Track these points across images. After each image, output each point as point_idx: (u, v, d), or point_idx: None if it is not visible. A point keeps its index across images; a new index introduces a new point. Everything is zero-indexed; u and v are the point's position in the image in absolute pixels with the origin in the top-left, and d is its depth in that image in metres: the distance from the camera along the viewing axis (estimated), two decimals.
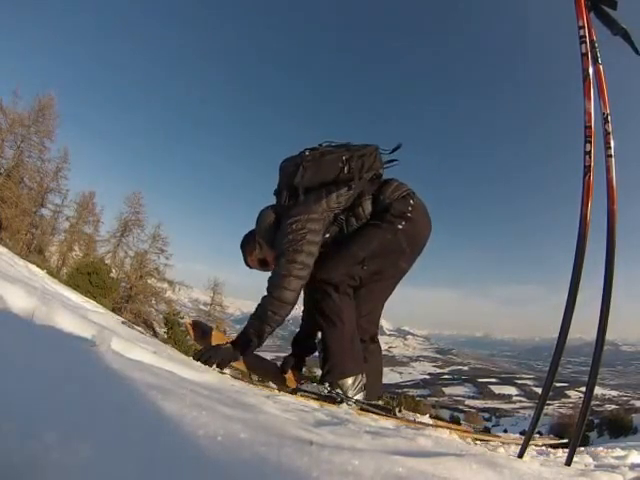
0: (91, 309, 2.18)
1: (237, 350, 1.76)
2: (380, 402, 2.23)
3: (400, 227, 1.89)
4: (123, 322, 2.02)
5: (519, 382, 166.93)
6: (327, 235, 1.92)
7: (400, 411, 1.97)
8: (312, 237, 1.77)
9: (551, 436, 2.02)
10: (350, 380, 1.83)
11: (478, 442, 1.85)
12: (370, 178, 1.99)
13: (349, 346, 1.86)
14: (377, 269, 1.94)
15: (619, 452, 2.55)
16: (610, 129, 1.34)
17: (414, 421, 1.82)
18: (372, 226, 1.92)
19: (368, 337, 2.01)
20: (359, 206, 1.94)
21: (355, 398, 1.83)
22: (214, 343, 2.00)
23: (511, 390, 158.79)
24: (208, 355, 1.68)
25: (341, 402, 1.77)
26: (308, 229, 1.77)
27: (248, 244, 2.09)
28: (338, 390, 1.82)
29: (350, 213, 1.95)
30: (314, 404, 1.61)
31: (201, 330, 2.17)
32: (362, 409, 1.80)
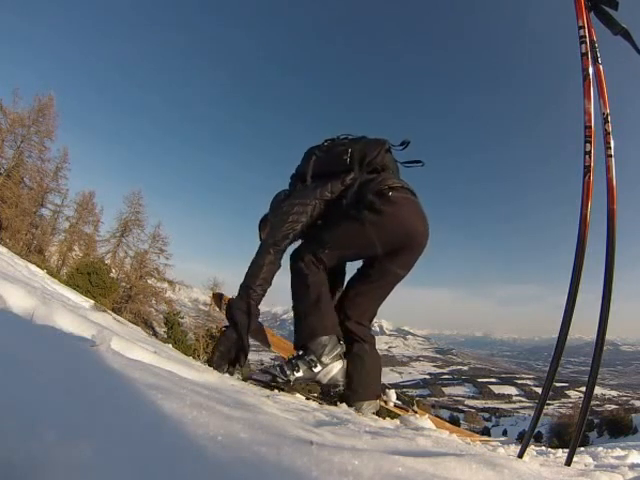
0: (89, 308, 2.18)
1: (242, 320, 1.86)
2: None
3: (367, 218, 1.86)
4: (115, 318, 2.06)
5: (519, 382, 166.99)
6: (319, 222, 2.04)
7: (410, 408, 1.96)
8: (295, 217, 1.96)
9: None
10: (323, 339, 1.81)
11: (478, 442, 1.85)
12: (370, 171, 2.02)
13: (314, 307, 1.85)
14: (342, 256, 2.01)
15: (619, 452, 2.55)
16: (610, 129, 1.34)
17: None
18: (343, 215, 1.94)
19: (360, 338, 1.98)
20: (344, 197, 1.98)
21: (297, 376, 1.80)
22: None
23: (511, 390, 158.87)
24: (219, 357, 1.81)
25: (283, 388, 1.79)
26: (295, 211, 1.97)
27: (263, 222, 2.30)
28: (290, 374, 1.80)
29: (335, 203, 2.00)
30: (314, 404, 1.61)
31: (219, 299, 2.50)
32: (307, 398, 1.82)
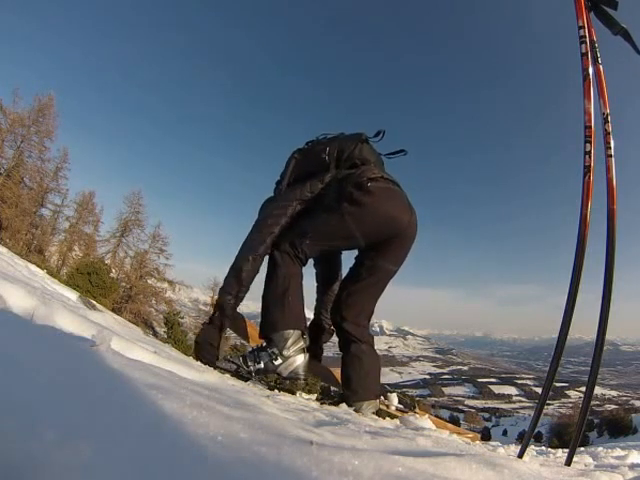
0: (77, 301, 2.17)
1: (217, 322, 1.90)
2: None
3: (346, 210, 1.87)
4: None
5: (519, 382, 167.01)
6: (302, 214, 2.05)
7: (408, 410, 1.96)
8: (273, 220, 1.98)
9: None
10: (286, 333, 1.83)
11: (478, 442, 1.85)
12: (350, 166, 2.02)
13: (280, 300, 1.86)
14: (323, 247, 2.00)
15: (619, 452, 2.55)
16: (610, 129, 1.34)
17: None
18: (324, 207, 1.96)
19: (357, 339, 1.97)
20: (326, 194, 2.00)
21: (257, 368, 1.83)
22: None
23: (511, 390, 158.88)
24: (203, 352, 1.85)
25: (248, 379, 1.82)
26: (275, 214, 1.99)
27: None
28: (262, 364, 1.84)
29: (317, 200, 2.01)
30: (314, 404, 1.61)
31: None
32: (270, 387, 1.85)
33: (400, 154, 2.20)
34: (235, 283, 1.90)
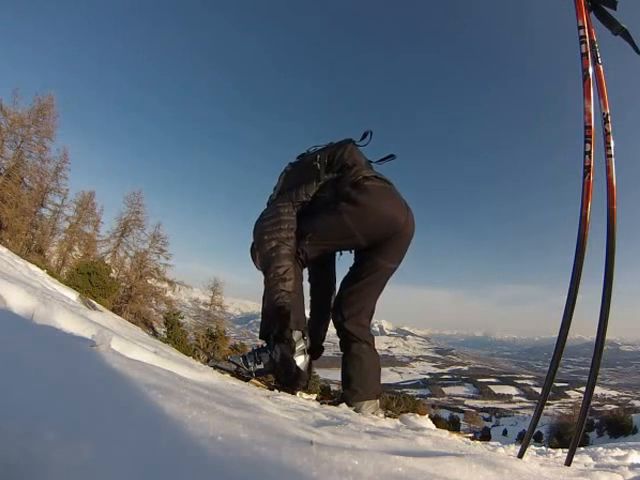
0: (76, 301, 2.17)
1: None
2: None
3: (344, 209, 1.88)
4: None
5: (519, 382, 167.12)
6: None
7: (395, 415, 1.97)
8: (274, 227, 1.95)
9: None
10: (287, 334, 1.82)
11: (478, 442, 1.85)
12: (341, 168, 2.04)
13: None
14: (323, 247, 1.99)
15: (619, 452, 2.55)
16: (610, 129, 1.34)
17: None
18: (322, 208, 1.97)
19: (357, 338, 1.97)
20: (321, 196, 2.02)
21: (258, 368, 1.85)
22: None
23: (511, 390, 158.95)
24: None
25: (248, 379, 1.82)
26: (270, 222, 1.96)
27: (253, 251, 2.21)
28: (252, 366, 1.86)
29: (314, 202, 2.03)
30: (314, 404, 1.61)
31: None
32: (270, 388, 1.84)
33: (390, 159, 2.21)
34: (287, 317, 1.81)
